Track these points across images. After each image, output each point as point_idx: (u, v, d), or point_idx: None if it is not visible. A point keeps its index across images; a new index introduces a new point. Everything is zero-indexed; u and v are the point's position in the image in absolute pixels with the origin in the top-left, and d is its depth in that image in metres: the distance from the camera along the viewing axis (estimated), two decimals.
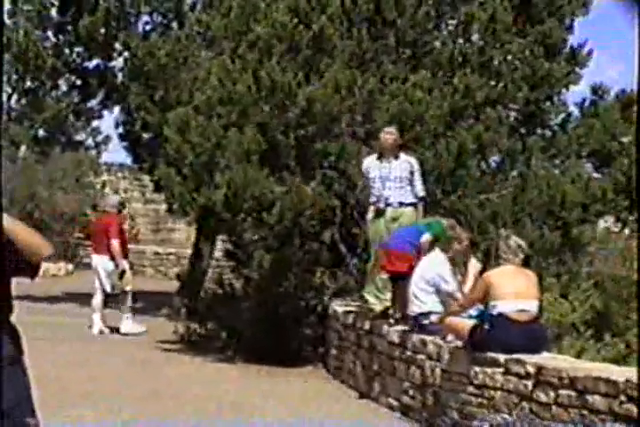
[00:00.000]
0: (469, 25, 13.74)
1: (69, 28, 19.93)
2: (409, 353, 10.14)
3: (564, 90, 14.59)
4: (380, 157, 11.66)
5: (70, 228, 31.95)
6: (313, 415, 10.04)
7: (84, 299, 20.84)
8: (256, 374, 12.57)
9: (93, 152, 31.67)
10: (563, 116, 14.87)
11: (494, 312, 8.66)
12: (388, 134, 11.65)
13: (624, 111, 14.71)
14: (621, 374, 7.44)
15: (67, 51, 20.37)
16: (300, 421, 9.75)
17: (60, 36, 20.28)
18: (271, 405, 10.58)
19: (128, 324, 15.98)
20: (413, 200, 11.58)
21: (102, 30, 19.29)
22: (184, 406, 10.30)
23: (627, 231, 15.03)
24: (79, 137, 26.79)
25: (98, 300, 16.11)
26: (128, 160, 29.83)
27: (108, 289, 16.01)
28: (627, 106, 14.79)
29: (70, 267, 29.21)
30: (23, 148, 34.23)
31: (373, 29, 13.64)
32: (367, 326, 11.41)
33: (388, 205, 11.62)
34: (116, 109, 21.23)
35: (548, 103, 14.54)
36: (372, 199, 11.74)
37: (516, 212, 12.87)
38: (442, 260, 10.17)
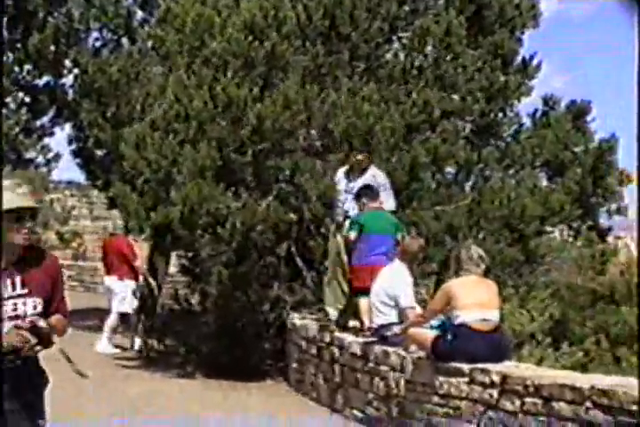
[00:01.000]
0: (424, 38, 13.80)
1: (18, 45, 19.77)
2: (371, 365, 10.16)
3: (515, 101, 14.70)
4: (349, 171, 11.72)
5: None
6: None
7: None
8: (217, 389, 12.52)
9: (44, 170, 31.53)
10: (515, 127, 14.99)
11: (456, 322, 8.69)
12: (356, 159, 11.77)
13: (575, 121, 14.92)
14: (586, 380, 7.52)
15: (16, 68, 20.21)
16: None
17: (10, 54, 20.11)
18: (236, 419, 10.54)
19: (105, 344, 15.82)
20: None
21: (52, 47, 19.16)
22: (149, 422, 10.25)
23: (579, 241, 15.21)
24: (29, 155, 26.51)
25: (111, 320, 15.97)
26: (79, 177, 29.86)
27: (127, 309, 15.91)
28: (577, 116, 15.01)
29: None
30: None
31: (328, 44, 13.68)
32: (328, 338, 11.43)
33: (347, 218, 11.64)
34: (68, 127, 21.06)
35: (501, 114, 14.64)
36: (336, 212, 11.76)
37: (472, 224, 12.94)
38: (403, 272, 10.18)
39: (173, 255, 19.84)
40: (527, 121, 15.18)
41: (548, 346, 11.85)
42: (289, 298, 13.41)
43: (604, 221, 15.76)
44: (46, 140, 24.57)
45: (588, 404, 7.24)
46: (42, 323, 4.77)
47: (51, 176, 33.61)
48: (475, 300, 8.70)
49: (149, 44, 17.22)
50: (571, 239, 15.02)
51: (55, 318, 4.97)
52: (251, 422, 10.35)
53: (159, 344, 14.99)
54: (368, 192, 11.30)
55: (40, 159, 28.45)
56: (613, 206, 15.48)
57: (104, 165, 19.49)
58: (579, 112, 15.22)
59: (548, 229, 14.10)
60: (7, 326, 4.72)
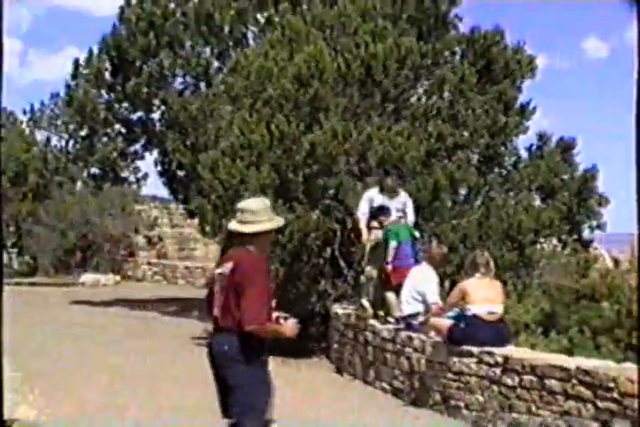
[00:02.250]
0: (442, 85, 13.84)
1: (119, 87, 19.91)
2: (398, 347, 10.16)
3: (514, 137, 14.70)
4: (381, 191, 11.65)
5: (116, 247, 32.01)
6: (323, 397, 10.07)
7: (131, 304, 20.97)
8: (273, 364, 12.48)
9: (135, 186, 31.86)
10: (514, 158, 14.96)
11: (469, 314, 8.73)
12: (390, 182, 11.73)
13: (564, 154, 14.90)
14: (573, 362, 7.54)
15: (116, 105, 20.35)
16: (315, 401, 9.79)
17: (112, 94, 20.25)
18: (289, 389, 10.53)
19: None
20: None
21: (145, 89, 19.28)
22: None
23: (567, 250, 15.11)
24: (124, 174, 26.80)
25: None
26: (159, 192, 30.35)
27: None
28: (565, 150, 14.97)
29: (117, 278, 29.20)
30: (79, 183, 34.38)
31: (363, 89, 13.72)
32: (362, 325, 11.42)
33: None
34: (155, 152, 21.14)
35: (502, 148, 14.61)
36: (373, 224, 11.66)
37: (481, 235, 12.91)
38: (431, 274, 10.16)
39: None
40: (524, 153, 15.13)
41: (539, 334, 11.76)
42: (332, 292, 13.40)
43: (586, 235, 15.65)
44: (137, 163, 24.83)
45: (574, 381, 7.25)
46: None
47: (140, 192, 33.98)
48: (484, 296, 8.74)
49: (221, 88, 17.42)
50: (559, 249, 14.91)
51: None
52: (298, 392, 10.39)
53: None
54: (384, 212, 11.33)
55: (132, 178, 28.87)
56: (594, 223, 15.39)
57: (183, 183, 19.63)
58: (566, 147, 15.15)
59: (541, 240, 14.03)
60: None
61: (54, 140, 35.91)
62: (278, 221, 5.39)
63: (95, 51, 20.00)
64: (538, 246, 13.84)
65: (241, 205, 5.42)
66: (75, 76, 20.30)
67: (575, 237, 15.24)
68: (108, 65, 19.84)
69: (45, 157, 33.98)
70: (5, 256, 36.96)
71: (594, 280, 13.20)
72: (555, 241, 14.92)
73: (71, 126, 34.50)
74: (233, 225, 5.32)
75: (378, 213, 11.32)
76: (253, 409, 5.27)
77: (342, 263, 13.43)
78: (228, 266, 5.20)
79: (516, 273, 13.17)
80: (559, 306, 12.79)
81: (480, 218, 13.20)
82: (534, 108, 14.75)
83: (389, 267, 11.03)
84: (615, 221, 19.04)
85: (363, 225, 11.62)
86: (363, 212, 11.66)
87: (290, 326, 5.53)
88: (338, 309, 12.80)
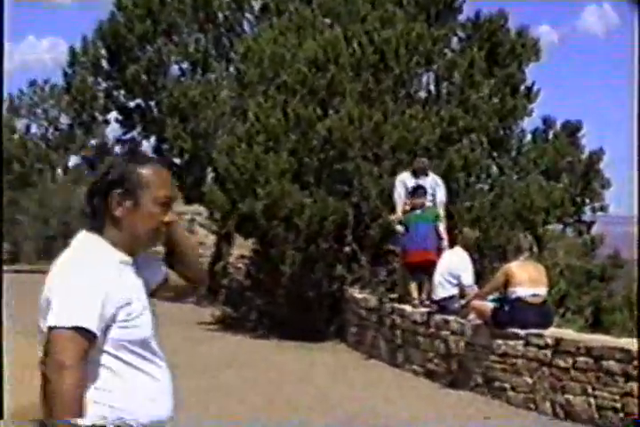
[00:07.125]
0: (452, 69, 13.61)
1: (115, 75, 19.37)
2: (432, 330, 9.92)
3: (520, 121, 14.54)
4: (414, 174, 11.39)
5: None
6: (357, 379, 9.86)
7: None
8: (291, 348, 12.25)
9: None
10: (520, 141, 14.79)
11: (513, 297, 8.57)
12: (421, 163, 11.49)
13: (570, 137, 14.77)
14: (629, 344, 7.36)
15: (114, 93, 19.80)
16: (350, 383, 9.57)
17: (110, 82, 19.70)
18: (319, 371, 10.37)
19: None
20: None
21: (144, 76, 18.80)
22: (252, 371, 10.08)
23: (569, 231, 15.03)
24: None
25: None
26: None
27: None
28: (571, 133, 14.85)
29: None
30: (59, 171, 33.75)
31: (377, 74, 13.45)
32: (388, 308, 11.17)
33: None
34: (152, 139, 20.62)
35: (509, 131, 14.43)
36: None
37: (495, 216, 12.72)
38: (464, 256, 9.95)
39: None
40: (528, 137, 14.92)
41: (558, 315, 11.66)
42: (348, 276, 13.12)
43: (587, 217, 15.56)
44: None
45: (636, 362, 7.09)
46: None
47: None
48: (528, 278, 8.58)
49: (224, 74, 17.12)
50: (563, 230, 14.80)
51: None
52: (330, 375, 10.17)
53: (234, 312, 14.66)
54: (420, 192, 11.06)
55: None
56: (597, 205, 15.30)
57: (182, 169, 19.22)
58: (572, 130, 15.01)
59: (552, 221, 13.87)
60: None
61: (33, 128, 35.25)
62: None
63: (89, 38, 19.46)
64: (548, 227, 13.65)
65: None
66: (72, 63, 19.73)
67: (576, 218, 15.14)
68: (104, 52, 19.28)
69: (25, 144, 33.30)
70: None
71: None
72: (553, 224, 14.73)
73: (51, 114, 34.11)
74: None
75: (414, 193, 11.02)
76: None
77: (356, 247, 13.15)
78: None
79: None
80: (572, 287, 12.72)
81: (493, 199, 13.01)
82: (539, 90, 14.59)
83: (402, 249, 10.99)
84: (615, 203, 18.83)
85: (399, 207, 11.31)
86: (398, 194, 11.36)
87: None
88: (355, 293, 12.54)
